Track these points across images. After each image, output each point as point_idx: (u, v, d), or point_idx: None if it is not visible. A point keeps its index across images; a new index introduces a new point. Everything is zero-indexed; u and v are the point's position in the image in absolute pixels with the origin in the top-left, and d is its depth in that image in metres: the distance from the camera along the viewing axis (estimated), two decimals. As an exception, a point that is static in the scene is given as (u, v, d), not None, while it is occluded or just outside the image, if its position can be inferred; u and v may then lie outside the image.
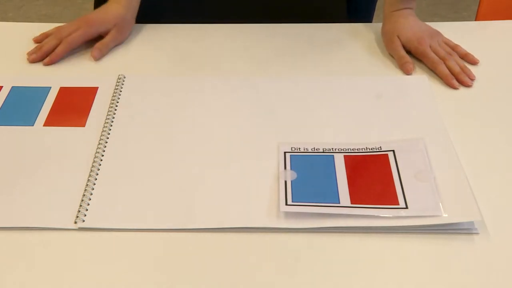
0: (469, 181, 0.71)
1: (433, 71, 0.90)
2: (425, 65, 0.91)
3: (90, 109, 0.83)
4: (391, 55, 0.94)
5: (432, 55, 0.91)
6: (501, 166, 0.75)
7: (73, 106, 0.84)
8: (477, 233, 0.66)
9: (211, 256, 0.64)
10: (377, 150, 0.75)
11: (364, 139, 0.77)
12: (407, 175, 0.71)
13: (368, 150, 0.75)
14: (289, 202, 0.68)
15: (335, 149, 0.76)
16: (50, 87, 0.88)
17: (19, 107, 0.84)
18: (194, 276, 0.62)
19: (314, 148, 0.76)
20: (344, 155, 0.75)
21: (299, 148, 0.76)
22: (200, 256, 0.64)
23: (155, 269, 0.63)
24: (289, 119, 0.82)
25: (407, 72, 0.90)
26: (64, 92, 0.87)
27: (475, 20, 1.24)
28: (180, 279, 0.62)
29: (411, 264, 0.63)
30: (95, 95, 0.86)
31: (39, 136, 0.79)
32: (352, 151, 0.75)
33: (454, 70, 0.89)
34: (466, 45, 0.95)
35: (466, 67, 0.90)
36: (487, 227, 0.66)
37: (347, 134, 0.78)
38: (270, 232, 0.67)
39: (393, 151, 0.75)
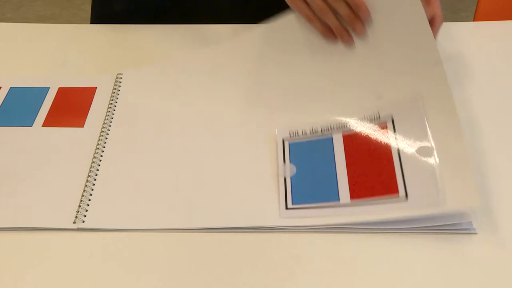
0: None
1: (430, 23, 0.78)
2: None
3: (89, 110, 0.83)
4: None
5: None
6: (500, 167, 0.75)
7: (71, 107, 0.84)
8: (475, 233, 0.66)
9: (210, 256, 0.64)
10: (376, 118, 0.74)
11: (360, 101, 0.75)
12: (407, 153, 0.69)
13: (366, 119, 0.74)
14: (289, 205, 0.68)
15: (333, 127, 0.75)
16: (49, 88, 0.87)
17: (18, 108, 0.84)
18: (194, 276, 0.62)
19: (312, 129, 0.75)
20: (343, 135, 0.74)
21: (297, 133, 0.75)
22: (200, 256, 0.64)
23: (154, 269, 0.63)
24: (281, 103, 0.80)
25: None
26: (63, 92, 0.87)
27: (474, 20, 1.24)
28: (180, 279, 0.62)
29: (410, 264, 0.63)
30: (93, 95, 0.86)
31: (38, 136, 0.79)
32: (350, 127, 0.74)
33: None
34: (465, 46, 0.95)
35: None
36: (485, 227, 0.66)
37: (343, 101, 0.76)
38: (269, 232, 0.67)
39: (392, 119, 0.72)
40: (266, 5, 1.05)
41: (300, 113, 0.78)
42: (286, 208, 0.68)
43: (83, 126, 0.80)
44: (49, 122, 0.82)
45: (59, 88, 0.87)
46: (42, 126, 0.81)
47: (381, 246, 0.65)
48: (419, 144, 0.70)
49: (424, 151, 0.69)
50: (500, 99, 0.86)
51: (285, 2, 1.05)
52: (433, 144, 0.69)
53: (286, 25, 0.84)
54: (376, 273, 0.63)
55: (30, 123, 0.81)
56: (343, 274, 0.63)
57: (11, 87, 0.88)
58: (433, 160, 0.68)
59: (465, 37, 0.98)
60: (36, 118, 0.82)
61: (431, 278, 0.62)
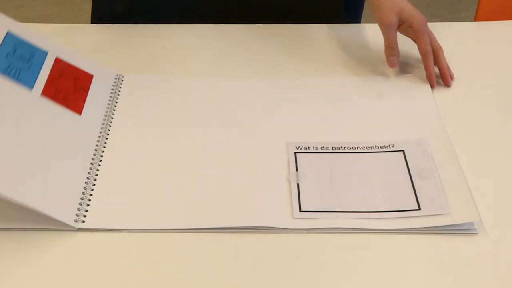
0: (467, 181, 0.71)
1: (422, 59, 0.88)
2: (417, 48, 0.89)
3: (85, 97, 0.80)
4: (382, 31, 0.89)
5: (428, 41, 0.87)
6: (500, 167, 0.75)
7: (69, 86, 0.80)
8: (476, 233, 0.66)
9: (211, 256, 0.64)
10: (388, 149, 0.75)
11: (366, 138, 0.77)
12: (416, 175, 0.72)
13: (378, 149, 0.75)
14: (302, 209, 0.68)
15: (344, 147, 0.76)
16: (47, 52, 0.82)
17: (17, 58, 0.78)
18: (194, 276, 0.62)
19: (323, 147, 0.76)
20: (354, 154, 0.75)
21: (308, 148, 0.76)
22: (200, 256, 0.64)
23: (155, 270, 0.63)
24: (293, 119, 0.81)
25: (390, 66, 0.88)
26: (60, 65, 0.82)
27: (474, 20, 1.24)
28: (180, 279, 0.62)
29: (411, 263, 0.63)
30: (90, 83, 0.83)
31: (38, 109, 0.75)
32: (361, 150, 0.75)
33: (443, 65, 0.88)
34: (465, 46, 0.95)
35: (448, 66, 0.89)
36: (486, 227, 0.66)
37: (350, 134, 0.78)
38: (268, 231, 0.66)
39: (403, 151, 0.75)
40: (267, 4, 1.05)
41: (308, 135, 0.78)
42: (300, 210, 0.68)
43: (80, 114, 0.78)
44: (48, 92, 0.77)
45: (56, 58, 0.82)
46: (41, 94, 0.77)
47: (382, 246, 0.65)
48: (426, 169, 0.73)
49: (430, 174, 0.72)
50: (501, 99, 0.86)
51: (282, 2, 1.05)
52: (436, 168, 0.73)
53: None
54: (378, 272, 0.62)
55: (30, 85, 0.77)
56: (343, 273, 0.63)
57: (8, 32, 0.81)
58: (438, 180, 0.71)
59: (466, 37, 0.98)
60: (36, 82, 0.77)
61: (432, 277, 0.62)
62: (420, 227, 0.66)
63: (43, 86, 0.77)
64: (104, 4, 1.07)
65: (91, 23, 1.10)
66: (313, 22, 1.02)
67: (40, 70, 0.79)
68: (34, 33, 0.84)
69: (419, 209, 0.68)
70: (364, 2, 1.14)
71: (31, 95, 0.75)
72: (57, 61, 0.82)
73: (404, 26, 0.88)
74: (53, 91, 0.77)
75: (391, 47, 0.88)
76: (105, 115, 0.81)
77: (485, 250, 0.65)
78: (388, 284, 0.62)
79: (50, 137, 0.74)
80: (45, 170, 0.70)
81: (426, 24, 0.88)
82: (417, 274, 0.62)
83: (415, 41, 0.89)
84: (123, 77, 0.88)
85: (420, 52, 0.88)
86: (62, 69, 0.81)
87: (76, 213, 0.68)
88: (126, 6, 1.05)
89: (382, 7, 0.87)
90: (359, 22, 1.13)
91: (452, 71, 0.89)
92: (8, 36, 0.80)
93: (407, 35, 0.90)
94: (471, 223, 0.66)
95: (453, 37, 0.96)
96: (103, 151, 0.76)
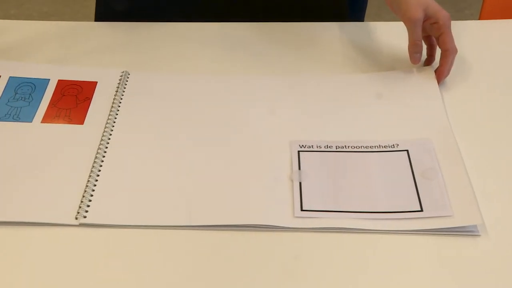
0: (472, 182, 0.71)
1: (442, 54, 0.86)
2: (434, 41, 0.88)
3: (89, 106, 0.82)
4: (408, 27, 0.86)
5: (453, 38, 0.85)
6: (505, 168, 0.74)
7: (71, 102, 0.83)
8: (478, 235, 0.65)
9: (211, 254, 0.64)
10: (392, 149, 0.75)
11: (370, 137, 0.76)
12: (419, 175, 0.71)
13: (381, 149, 0.75)
14: (304, 207, 0.68)
15: (348, 147, 0.75)
16: (49, 80, 0.86)
17: (18, 99, 0.83)
18: (195, 273, 0.62)
19: (327, 145, 0.75)
20: (357, 154, 0.74)
21: (312, 146, 0.75)
22: (201, 254, 0.64)
23: (155, 266, 0.63)
24: (297, 117, 0.81)
25: (414, 63, 0.87)
26: (63, 85, 0.85)
27: (479, 18, 1.23)
28: (180, 276, 0.62)
29: (412, 264, 0.63)
30: (94, 90, 0.85)
31: (39, 133, 0.78)
32: (365, 149, 0.75)
33: (450, 67, 0.87)
34: (469, 45, 0.94)
35: None
36: (489, 229, 0.66)
37: (354, 133, 0.78)
38: (269, 230, 0.66)
39: (407, 150, 0.74)
40: (270, 2, 1.05)
41: (310, 133, 0.78)
42: (301, 209, 0.68)
43: (83, 123, 0.80)
44: (48, 117, 0.81)
45: (59, 80, 0.86)
46: (41, 122, 0.80)
47: (383, 246, 0.65)
48: (430, 169, 0.72)
49: (434, 175, 0.71)
50: (505, 99, 0.85)
51: (285, 0, 1.05)
52: (440, 169, 0.72)
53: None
54: (379, 273, 0.62)
55: (30, 119, 0.80)
56: (345, 273, 0.62)
57: (10, 77, 0.87)
58: (442, 181, 0.70)
59: (470, 36, 0.97)
60: (36, 113, 0.81)
61: (434, 278, 0.62)
62: (422, 228, 0.66)
63: (43, 114, 0.82)
64: (108, 2, 1.07)
65: (95, 20, 1.10)
66: (317, 21, 1.01)
67: (41, 100, 0.83)
68: (36, 65, 0.89)
69: (421, 210, 0.67)
70: (367, 1, 1.14)
71: (30, 126, 0.80)
72: (60, 82, 0.87)
73: (428, 22, 0.86)
74: (54, 115, 0.82)
75: (416, 43, 0.86)
76: (109, 115, 0.81)
77: (487, 252, 0.64)
78: (389, 285, 0.62)
79: (47, 151, 0.76)
80: (40, 181, 0.72)
81: (450, 22, 0.86)
82: (418, 275, 0.62)
83: (437, 37, 0.86)
84: (129, 74, 0.88)
85: (443, 48, 0.85)
86: (64, 90, 0.85)
87: (78, 209, 0.68)
88: (129, 4, 1.04)
89: (410, 3, 0.85)
90: (362, 21, 1.13)
91: (456, 70, 0.88)
92: (10, 81, 0.86)
93: (429, 32, 0.87)
94: (474, 225, 0.66)
95: (458, 36, 0.95)
96: (106, 147, 0.76)
